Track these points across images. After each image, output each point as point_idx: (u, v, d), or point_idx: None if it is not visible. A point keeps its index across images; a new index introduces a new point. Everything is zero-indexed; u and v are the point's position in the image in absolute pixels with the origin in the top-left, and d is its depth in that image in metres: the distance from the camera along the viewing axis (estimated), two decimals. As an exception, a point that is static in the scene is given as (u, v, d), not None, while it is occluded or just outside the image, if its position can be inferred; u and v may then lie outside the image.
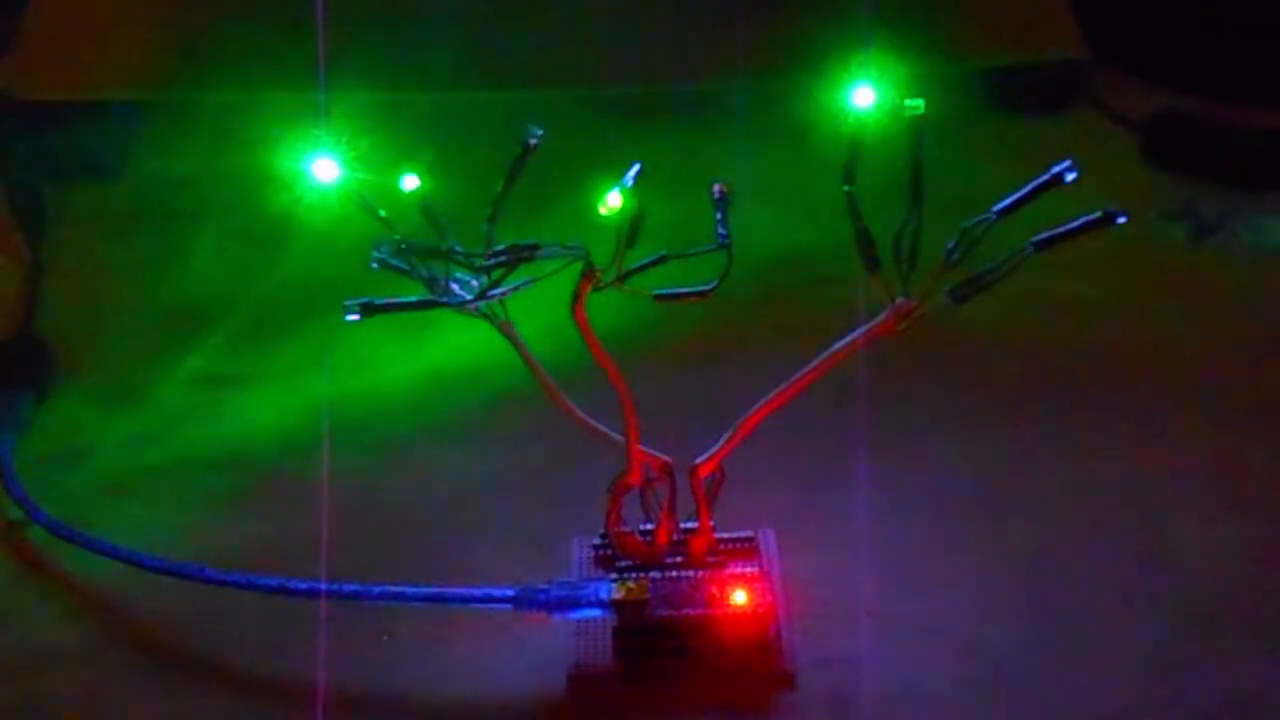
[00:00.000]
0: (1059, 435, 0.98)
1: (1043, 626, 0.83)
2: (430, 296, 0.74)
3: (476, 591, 0.83)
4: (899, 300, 0.72)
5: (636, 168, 0.70)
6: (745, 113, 1.34)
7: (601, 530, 0.83)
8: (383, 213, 0.73)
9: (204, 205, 1.27)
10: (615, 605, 0.80)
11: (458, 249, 0.72)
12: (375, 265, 0.73)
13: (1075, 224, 0.70)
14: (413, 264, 0.73)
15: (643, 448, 0.79)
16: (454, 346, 1.08)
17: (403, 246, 0.72)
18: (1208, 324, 1.08)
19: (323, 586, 0.83)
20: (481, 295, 0.73)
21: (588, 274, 0.71)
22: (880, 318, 0.73)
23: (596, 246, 0.71)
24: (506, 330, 0.75)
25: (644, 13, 1.33)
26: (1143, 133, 1.30)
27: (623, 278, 0.71)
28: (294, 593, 0.83)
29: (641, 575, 0.82)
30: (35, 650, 0.86)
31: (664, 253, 0.71)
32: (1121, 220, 0.69)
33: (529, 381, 0.77)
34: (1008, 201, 0.71)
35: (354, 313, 0.73)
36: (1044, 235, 0.70)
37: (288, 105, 1.08)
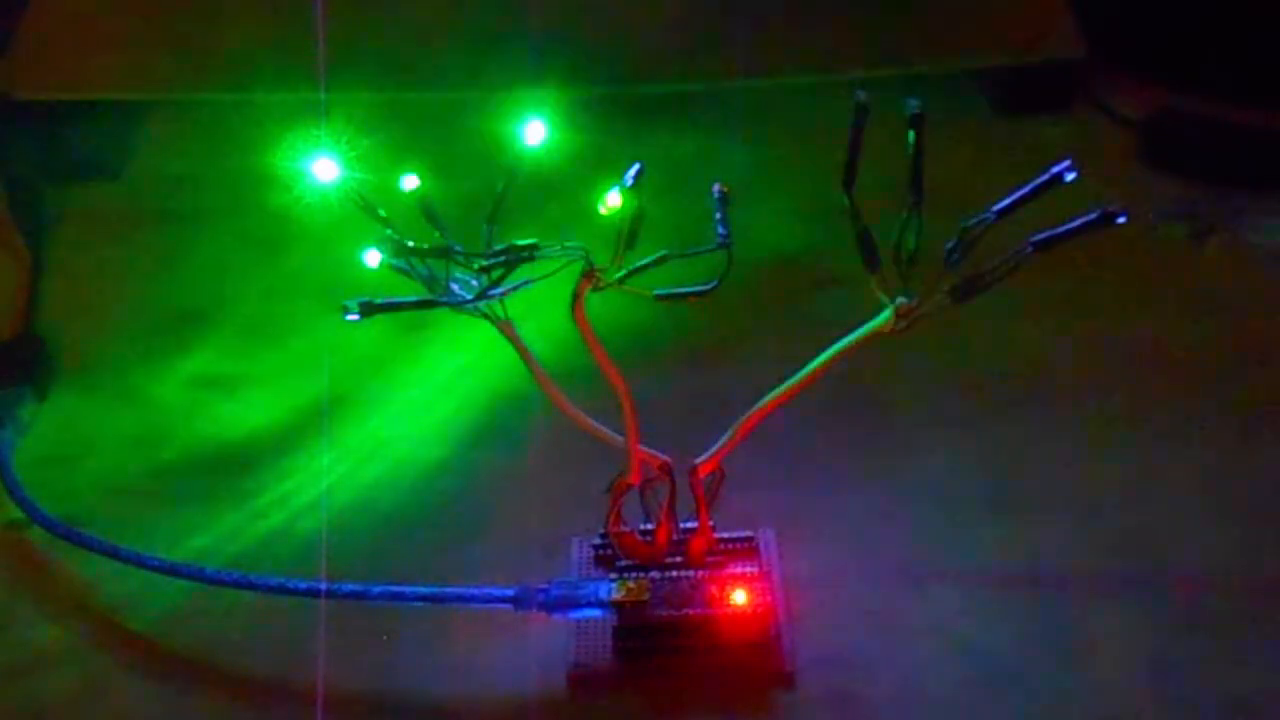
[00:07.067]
0: (1059, 435, 0.98)
1: (1043, 626, 0.83)
2: (430, 296, 0.74)
3: (476, 591, 0.83)
4: (899, 300, 0.72)
5: (636, 168, 0.70)
6: (745, 113, 1.34)
7: (601, 530, 0.83)
8: (383, 213, 0.73)
9: (204, 205, 1.27)
10: (615, 605, 0.80)
11: (458, 249, 0.72)
12: (375, 265, 0.73)
13: (1075, 224, 0.70)
14: (413, 264, 0.73)
15: (643, 448, 0.79)
16: (454, 346, 1.08)
17: (403, 246, 0.72)
18: (1208, 324, 1.08)
19: (323, 586, 0.83)
20: (481, 295, 0.73)
21: (588, 274, 0.71)
22: (880, 318, 0.73)
23: (596, 246, 0.71)
24: (506, 330, 0.75)
25: (644, 13, 1.33)
26: (1143, 133, 1.29)
27: (623, 278, 0.71)
28: (294, 593, 0.83)
29: (641, 575, 0.82)
30: (35, 650, 0.86)
31: (665, 252, 0.71)
32: (1121, 220, 0.69)
33: (529, 381, 0.78)
34: (1008, 201, 0.71)
35: (354, 312, 0.73)
36: (1044, 235, 0.70)
37: (288, 105, 1.08)
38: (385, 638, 0.84)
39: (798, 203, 1.22)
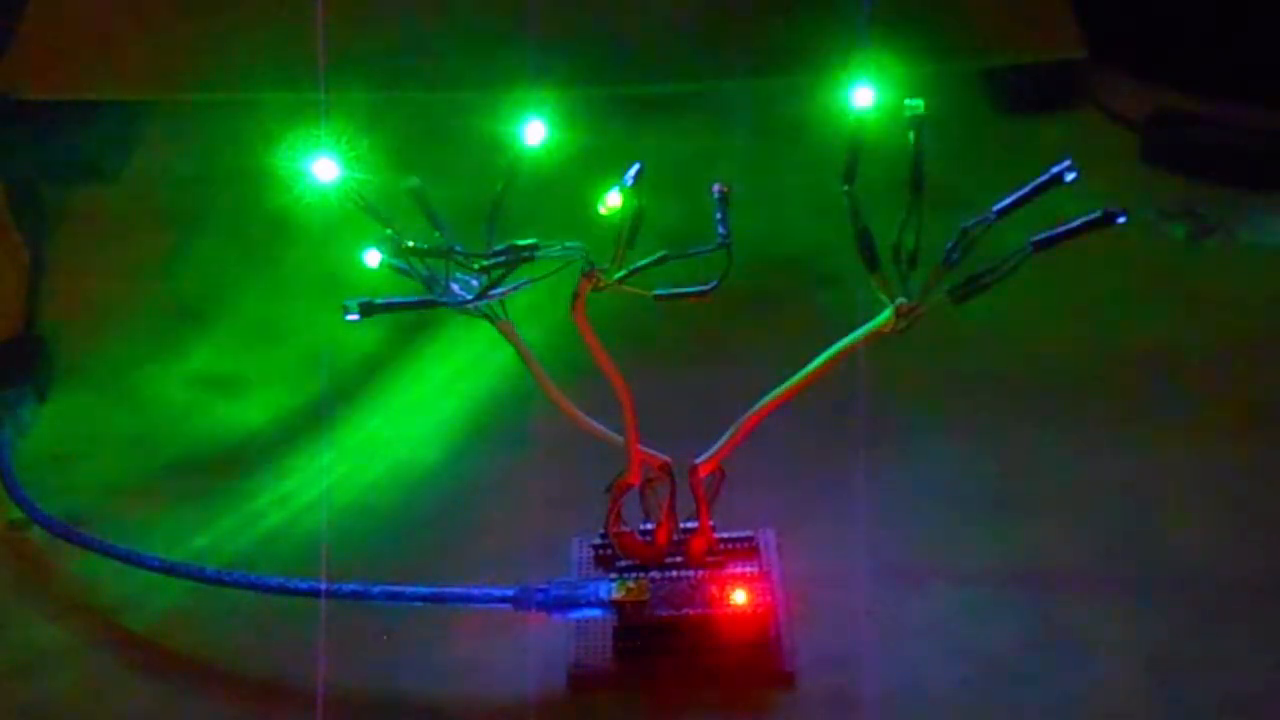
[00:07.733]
0: (1059, 435, 0.98)
1: (1043, 626, 0.83)
2: (430, 296, 0.74)
3: (476, 591, 0.83)
4: (899, 300, 0.72)
5: (636, 167, 0.70)
6: (745, 113, 1.34)
7: (601, 530, 0.83)
8: (383, 213, 0.73)
9: (204, 205, 1.27)
10: (615, 605, 0.80)
11: (458, 249, 0.72)
12: (375, 265, 0.73)
13: (1075, 224, 0.70)
14: (413, 264, 0.73)
15: (643, 448, 0.79)
16: (454, 346, 1.08)
17: (403, 246, 0.72)
18: (1207, 324, 1.08)
19: (323, 586, 0.83)
20: (481, 295, 0.73)
21: (588, 274, 0.71)
22: (880, 318, 0.73)
23: (596, 246, 0.71)
24: (506, 330, 0.75)
25: (644, 13, 1.33)
26: (1143, 133, 1.29)
27: (623, 278, 0.71)
28: (294, 593, 0.83)
29: (641, 575, 0.82)
30: (35, 650, 0.86)
31: (665, 253, 0.71)
32: (1121, 220, 0.69)
33: (529, 381, 0.77)
34: (1008, 201, 0.71)
35: (353, 312, 0.73)
36: (1044, 235, 0.70)
37: (288, 105, 1.08)
38: (385, 638, 0.84)
39: (797, 202, 1.22)
